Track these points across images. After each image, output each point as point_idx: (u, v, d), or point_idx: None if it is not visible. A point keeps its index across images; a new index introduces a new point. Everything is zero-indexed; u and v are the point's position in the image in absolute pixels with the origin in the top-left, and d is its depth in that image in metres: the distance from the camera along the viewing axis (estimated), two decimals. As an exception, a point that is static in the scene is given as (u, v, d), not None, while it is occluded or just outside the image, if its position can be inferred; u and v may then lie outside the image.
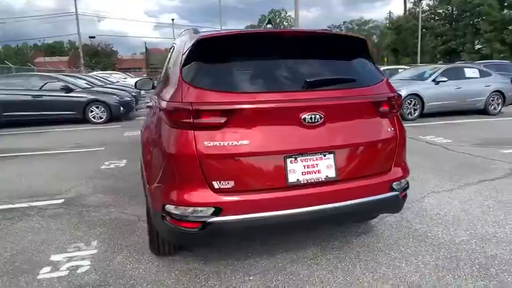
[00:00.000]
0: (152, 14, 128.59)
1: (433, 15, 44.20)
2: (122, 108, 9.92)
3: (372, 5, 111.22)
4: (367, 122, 2.08)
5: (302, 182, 1.94)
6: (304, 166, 1.94)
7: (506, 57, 32.33)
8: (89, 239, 2.85)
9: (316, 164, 1.97)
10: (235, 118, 1.86)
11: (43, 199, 3.78)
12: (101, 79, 14.23)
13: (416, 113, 8.77)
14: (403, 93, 8.34)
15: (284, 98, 1.91)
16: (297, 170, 1.94)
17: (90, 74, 19.73)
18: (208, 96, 1.88)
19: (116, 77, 21.14)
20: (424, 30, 43.36)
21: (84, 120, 9.59)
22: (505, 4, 35.01)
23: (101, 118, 9.68)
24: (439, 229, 2.87)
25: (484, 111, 9.26)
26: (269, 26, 3.32)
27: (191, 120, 1.86)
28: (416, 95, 8.69)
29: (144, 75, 46.19)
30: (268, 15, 73.72)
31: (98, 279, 2.28)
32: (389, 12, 63.58)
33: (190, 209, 1.89)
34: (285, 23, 76.39)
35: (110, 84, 13.80)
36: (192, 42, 2.02)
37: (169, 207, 1.95)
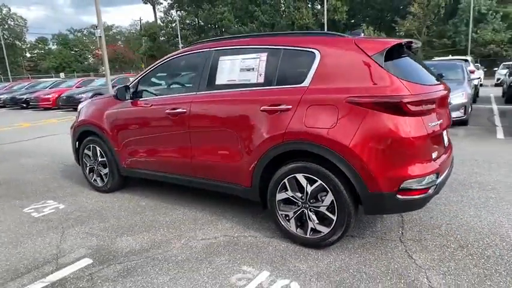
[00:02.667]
0: None
1: (183, 25, 49.11)
2: None
3: (104, 10, 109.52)
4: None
5: (446, 146, 2.82)
6: (444, 136, 2.82)
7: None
8: (236, 268, 2.48)
9: (445, 135, 2.87)
10: (434, 104, 2.48)
11: (52, 270, 2.56)
12: None
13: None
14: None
15: (445, 87, 2.70)
16: (443, 140, 2.78)
17: None
18: (421, 89, 2.40)
19: None
20: (176, 39, 47.77)
21: None
22: (237, 20, 43.88)
23: None
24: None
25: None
26: (362, 34, 3.29)
27: (422, 109, 2.34)
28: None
29: None
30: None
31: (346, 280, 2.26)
32: (140, 19, 65.11)
33: (427, 178, 2.37)
34: (10, 21, 63.04)
35: None
36: (389, 46, 2.42)
37: (409, 183, 2.33)
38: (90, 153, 4.15)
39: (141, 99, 3.63)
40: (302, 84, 2.63)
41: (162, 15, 53.53)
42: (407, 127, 2.32)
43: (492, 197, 3.58)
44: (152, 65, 3.66)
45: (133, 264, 2.59)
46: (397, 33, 34.54)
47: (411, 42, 2.79)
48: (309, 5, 40.48)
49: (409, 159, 2.36)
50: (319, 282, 2.28)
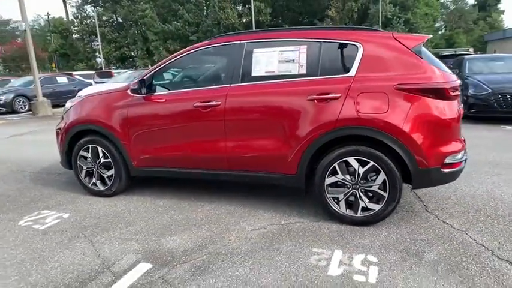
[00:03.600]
0: None
1: (99, 22, 45.60)
2: None
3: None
4: None
5: None
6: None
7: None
8: (307, 251, 2.57)
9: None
10: (458, 91, 2.88)
11: (113, 279, 2.33)
12: None
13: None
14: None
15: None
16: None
17: None
18: (450, 76, 2.77)
19: None
20: (92, 36, 44.30)
21: None
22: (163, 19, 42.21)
23: None
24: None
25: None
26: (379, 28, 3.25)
27: (455, 94, 2.71)
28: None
29: None
30: None
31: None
32: (48, 14, 58.42)
33: (460, 153, 2.76)
34: None
35: None
36: (420, 42, 2.76)
37: (450, 158, 2.68)
38: (88, 154, 3.77)
39: (158, 93, 3.44)
40: (348, 74, 2.83)
41: (74, 10, 48.82)
42: (448, 110, 2.68)
43: (470, 171, 4.23)
44: (169, 58, 3.48)
45: (200, 262, 2.50)
46: (318, 35, 36.95)
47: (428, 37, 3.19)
48: (233, 6, 40.91)
49: (450, 137, 2.73)
50: (390, 252, 2.50)
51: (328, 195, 2.94)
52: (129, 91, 3.54)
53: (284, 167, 3.05)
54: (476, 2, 48.66)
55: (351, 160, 2.81)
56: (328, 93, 2.82)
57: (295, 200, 3.46)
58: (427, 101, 2.66)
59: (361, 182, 2.83)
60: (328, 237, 2.77)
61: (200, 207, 3.46)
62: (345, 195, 2.90)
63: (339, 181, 2.89)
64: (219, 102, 3.14)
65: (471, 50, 31.22)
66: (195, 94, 3.29)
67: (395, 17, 32.11)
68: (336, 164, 2.86)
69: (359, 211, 2.88)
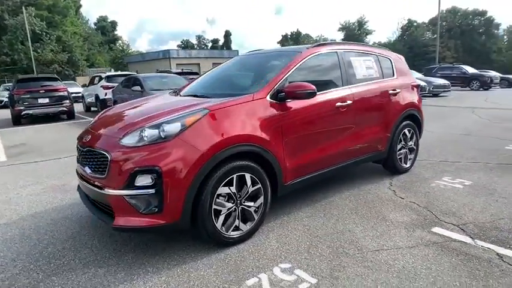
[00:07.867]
0: None
1: None
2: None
3: None
4: None
5: None
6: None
7: None
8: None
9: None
10: None
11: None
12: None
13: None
14: None
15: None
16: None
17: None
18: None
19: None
20: None
21: None
22: None
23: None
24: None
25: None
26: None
27: (416, 87, 5.05)
28: None
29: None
30: None
31: None
32: None
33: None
34: None
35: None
36: (403, 58, 4.82)
37: (422, 122, 5.01)
38: (230, 189, 2.68)
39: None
40: (394, 77, 4.42)
41: None
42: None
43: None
44: (293, 64, 3.26)
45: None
46: None
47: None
48: None
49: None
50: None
51: (398, 157, 4.41)
52: (268, 98, 3.01)
53: (381, 146, 4.13)
54: (96, 27, 53.95)
55: (406, 131, 4.46)
56: (396, 89, 4.27)
57: (374, 169, 4.63)
58: (416, 91, 4.81)
59: (408, 143, 4.55)
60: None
61: (339, 201, 3.64)
62: (404, 154, 4.50)
63: (402, 146, 4.44)
64: (351, 102, 3.65)
65: (112, 70, 35.21)
66: (331, 95, 3.50)
67: (44, 33, 29.63)
68: (401, 136, 4.39)
69: (408, 163, 4.59)
